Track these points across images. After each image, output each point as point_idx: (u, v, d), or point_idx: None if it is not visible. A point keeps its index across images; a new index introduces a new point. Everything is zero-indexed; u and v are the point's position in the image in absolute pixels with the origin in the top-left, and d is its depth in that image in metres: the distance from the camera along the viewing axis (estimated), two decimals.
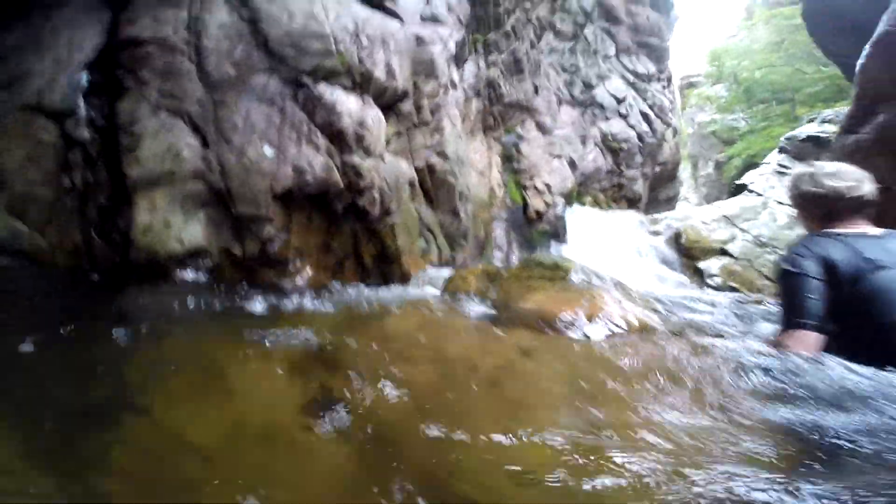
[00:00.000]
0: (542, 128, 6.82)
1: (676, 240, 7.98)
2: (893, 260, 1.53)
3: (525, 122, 6.54)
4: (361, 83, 3.81)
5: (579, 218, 7.58)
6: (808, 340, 1.51)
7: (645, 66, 8.74)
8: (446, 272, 4.59)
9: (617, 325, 2.38)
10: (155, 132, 3.32)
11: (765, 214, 8.20)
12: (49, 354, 1.82)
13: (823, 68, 9.55)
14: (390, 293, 3.73)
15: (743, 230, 8.05)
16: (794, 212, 2.03)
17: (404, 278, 4.12)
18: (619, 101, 8.21)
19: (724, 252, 7.86)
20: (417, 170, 4.39)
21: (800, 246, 1.67)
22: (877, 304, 1.48)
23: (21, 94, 3.34)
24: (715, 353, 1.83)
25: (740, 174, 10.16)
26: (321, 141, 3.57)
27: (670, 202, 10.15)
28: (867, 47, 2.72)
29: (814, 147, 8.23)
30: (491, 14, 5.95)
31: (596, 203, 8.45)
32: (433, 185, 4.51)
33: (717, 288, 7.16)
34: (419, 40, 4.32)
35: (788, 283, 1.60)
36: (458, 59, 4.79)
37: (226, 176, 3.37)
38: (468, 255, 5.27)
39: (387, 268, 4.03)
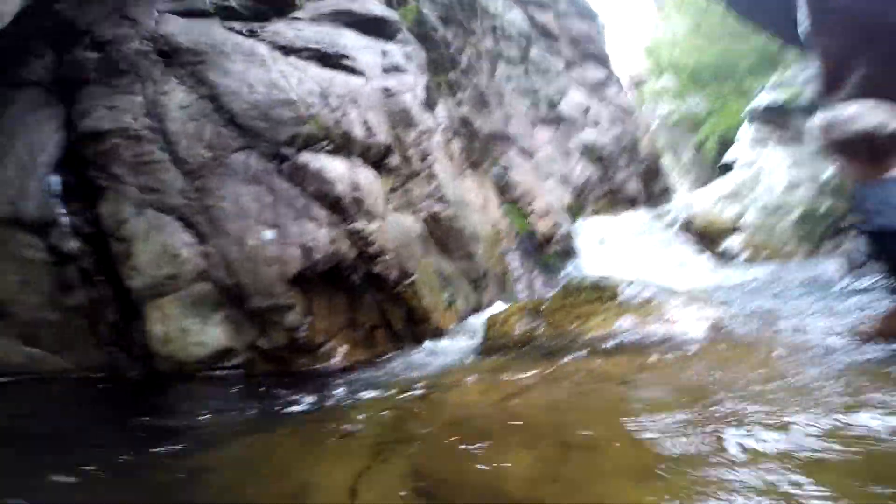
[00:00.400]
0: (524, 153, 6.80)
1: (688, 227, 7.83)
2: None
3: (507, 152, 6.52)
4: (344, 145, 3.70)
5: (587, 230, 7.43)
6: None
7: (594, 74, 8.99)
8: (479, 317, 4.30)
9: (690, 331, 2.11)
10: (145, 233, 3.13)
11: (762, 184, 8.15)
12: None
13: (746, 44, 9.85)
14: (428, 354, 3.43)
15: (748, 203, 7.95)
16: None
17: (438, 334, 3.83)
18: (586, 111, 8.35)
19: (736, 229, 7.70)
20: (424, 221, 4.20)
21: (876, 199, 1.48)
22: None
23: None
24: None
25: (720, 153, 10.26)
26: (320, 212, 3.40)
27: (665, 193, 10.11)
28: (806, 23, 2.69)
29: (778, 114, 8.35)
30: (446, 56, 6.06)
31: (597, 212, 8.35)
32: (442, 234, 4.31)
33: (747, 262, 6.93)
34: (387, 92, 4.29)
35: (879, 243, 1.42)
36: (430, 104, 4.76)
37: (231, 270, 3.15)
38: (493, 295, 5.00)
39: (418, 328, 3.74)
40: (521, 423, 1.50)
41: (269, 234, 3.26)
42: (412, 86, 4.58)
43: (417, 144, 4.32)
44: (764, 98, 8.43)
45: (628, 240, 7.41)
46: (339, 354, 3.40)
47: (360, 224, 3.49)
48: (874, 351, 1.56)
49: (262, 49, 3.78)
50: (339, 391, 2.55)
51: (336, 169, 3.52)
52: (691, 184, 11.57)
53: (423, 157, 4.35)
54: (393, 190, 4.11)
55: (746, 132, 8.79)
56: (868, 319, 1.80)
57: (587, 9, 9.65)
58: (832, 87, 2.82)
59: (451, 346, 3.57)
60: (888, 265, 1.48)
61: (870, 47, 2.55)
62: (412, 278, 3.75)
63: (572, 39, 8.95)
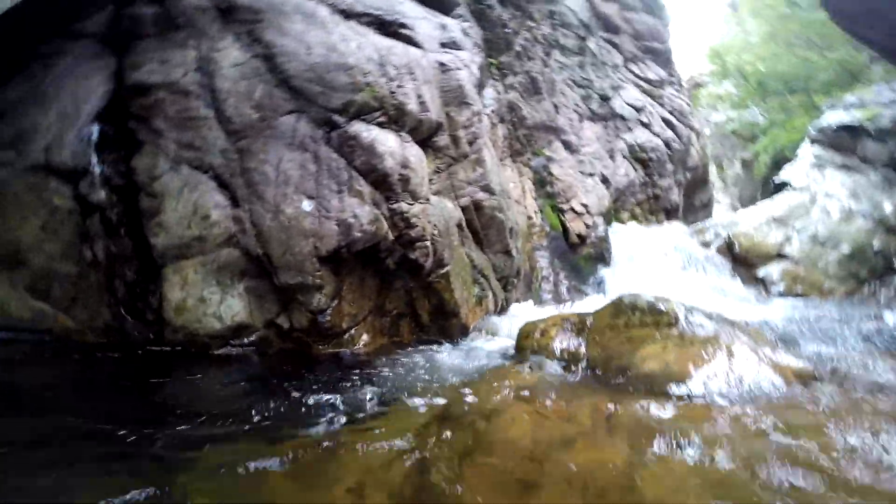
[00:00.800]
0: (569, 147, 6.45)
1: (729, 248, 7.47)
2: None
3: (552, 144, 6.18)
4: (397, 118, 3.44)
5: (622, 236, 7.11)
6: None
7: (655, 71, 8.48)
8: (505, 318, 4.09)
9: (777, 386, 1.86)
10: (178, 191, 2.95)
11: (815, 211, 7.72)
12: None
13: (827, 54, 9.21)
14: (456, 354, 3.24)
15: (797, 230, 7.54)
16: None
17: (464, 331, 3.65)
18: (639, 110, 7.89)
19: (781, 255, 7.33)
20: (463, 209, 3.97)
21: None
22: None
23: (28, 154, 3.03)
24: None
25: (771, 170, 9.73)
26: (365, 188, 3.17)
27: (706, 207, 9.67)
28: None
29: (849, 135, 7.82)
30: (501, 36, 5.69)
31: (634, 218, 7.99)
32: (482, 225, 4.07)
33: (781, 295, 6.61)
34: (444, 67, 4.00)
35: None
36: (481, 85, 4.46)
37: (263, 239, 2.96)
38: (520, 294, 4.78)
39: (445, 322, 3.55)
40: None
41: (307, 204, 3.05)
42: (468, 63, 4.28)
43: (468, 126, 4.04)
44: (834, 116, 7.88)
45: (663, 253, 7.09)
46: (362, 342, 3.23)
47: (404, 205, 3.26)
48: None
49: (323, 11, 3.52)
50: (361, 393, 2.34)
51: (387, 142, 3.28)
52: (734, 200, 11.07)
53: (472, 140, 4.08)
54: (437, 171, 3.86)
55: (807, 151, 8.28)
56: None
57: (656, 3, 9.02)
58: None
59: (479, 348, 3.39)
60: None
61: None
62: (447, 268, 3.54)
63: (635, 33, 8.40)
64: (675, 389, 1.93)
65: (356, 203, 3.11)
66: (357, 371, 2.71)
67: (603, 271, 6.54)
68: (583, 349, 2.63)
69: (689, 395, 1.86)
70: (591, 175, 6.72)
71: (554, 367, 2.57)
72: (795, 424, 1.50)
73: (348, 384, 2.48)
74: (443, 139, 3.93)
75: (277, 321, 3.02)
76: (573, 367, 2.50)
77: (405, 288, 3.43)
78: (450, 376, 2.64)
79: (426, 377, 2.66)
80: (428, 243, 3.34)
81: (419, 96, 3.65)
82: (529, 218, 5.88)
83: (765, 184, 9.66)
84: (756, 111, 10.66)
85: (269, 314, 3.01)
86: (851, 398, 1.73)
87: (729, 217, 8.27)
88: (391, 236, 3.19)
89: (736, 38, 11.75)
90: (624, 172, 7.50)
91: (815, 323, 3.95)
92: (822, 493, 1.10)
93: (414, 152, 3.48)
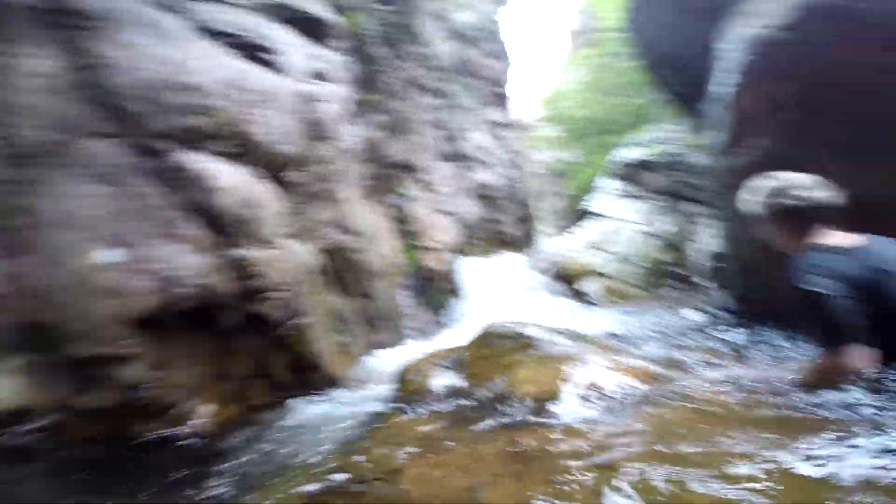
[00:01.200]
0: (427, 186, 6.53)
1: (559, 272, 8.32)
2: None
3: (411, 183, 6.17)
4: (242, 149, 2.94)
5: (471, 269, 7.40)
6: (859, 354, 1.51)
7: (497, 115, 9.24)
8: (375, 362, 3.76)
9: (633, 387, 1.96)
10: None
11: (618, 234, 9.08)
12: None
13: (628, 99, 10.86)
14: (329, 408, 2.80)
15: (606, 251, 8.78)
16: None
17: (331, 382, 3.22)
18: (486, 151, 8.48)
19: (597, 273, 8.41)
20: (323, 252, 3.57)
21: (817, 266, 1.61)
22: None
23: None
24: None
25: (578, 202, 11.26)
26: (195, 232, 2.58)
27: (535, 237, 10.75)
28: (737, 80, 2.92)
29: (637, 169, 9.40)
30: (373, 74, 5.57)
31: (479, 251, 8.43)
32: (342, 268, 3.72)
33: (602, 305, 7.52)
34: (308, 98, 3.63)
35: (825, 305, 1.54)
36: (346, 121, 4.21)
37: (44, 301, 2.15)
38: (386, 336, 4.50)
39: (308, 377, 3.09)
40: None
41: (110, 254, 2.34)
42: (337, 98, 3.98)
43: (329, 162, 3.71)
44: (627, 153, 9.44)
45: (507, 281, 7.57)
46: (203, 415, 2.57)
47: (247, 251, 2.75)
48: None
49: (175, 24, 2.87)
50: (202, 485, 1.78)
51: (228, 177, 2.75)
52: (557, 229, 12.62)
53: (332, 178, 3.75)
54: (294, 212, 3.42)
55: (607, 184, 9.75)
56: (790, 370, 1.79)
57: (504, 51, 9.76)
58: (729, 151, 3.02)
59: (354, 399, 2.99)
60: (817, 323, 1.61)
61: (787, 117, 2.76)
62: (304, 319, 3.09)
63: (488, 79, 9.00)
64: (553, 408, 1.88)
65: (181, 250, 2.49)
66: (199, 453, 2.09)
67: (457, 303, 6.68)
68: (464, 383, 2.49)
69: (566, 413, 1.82)
70: (445, 213, 6.90)
71: (440, 406, 2.35)
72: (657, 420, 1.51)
73: (185, 473, 1.88)
74: (300, 175, 3.52)
75: (73, 402, 2.21)
76: (459, 404, 2.32)
77: (252, 346, 2.87)
78: (327, 437, 2.20)
79: (298, 444, 2.18)
80: (278, 295, 2.86)
81: (274, 126, 3.22)
82: (388, 257, 5.71)
83: (576, 213, 11.20)
84: (572, 152, 12.36)
85: (60, 394, 2.18)
86: (692, 393, 1.84)
87: (556, 245, 9.30)
88: (230, 289, 2.64)
89: (567, 86, 13.48)
90: (472, 210, 7.92)
91: (640, 327, 4.38)
92: None
93: (261, 189, 3.01)
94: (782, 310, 2.68)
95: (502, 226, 8.96)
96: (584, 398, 1.90)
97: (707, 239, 7.87)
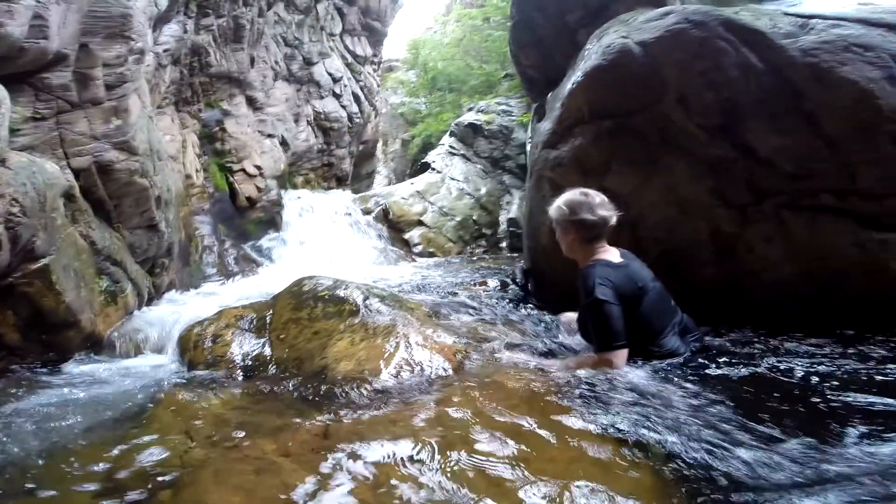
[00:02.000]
0: (253, 103, 5.43)
1: (385, 215, 8.20)
2: (648, 280, 1.91)
3: (234, 97, 5.03)
4: None
5: (294, 202, 6.69)
6: (625, 355, 1.77)
7: (363, 48, 8.20)
8: (159, 312, 3.02)
9: (446, 369, 1.96)
10: None
11: (443, 189, 9.33)
12: None
13: (484, 66, 10.98)
14: (90, 383, 2.11)
15: (431, 203, 8.98)
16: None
17: (95, 343, 2.48)
18: (336, 80, 7.47)
19: (420, 223, 8.59)
20: (79, 172, 2.60)
21: (597, 277, 1.84)
22: (652, 318, 1.87)
23: None
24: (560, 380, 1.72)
25: (420, 152, 11.20)
26: None
27: (369, 177, 10.32)
28: (579, 75, 3.00)
29: (472, 132, 9.70)
30: None
31: (307, 183, 7.68)
32: (111, 193, 2.79)
33: (419, 254, 7.78)
34: None
35: (603, 310, 1.78)
36: (163, 19, 3.03)
37: None
38: (176, 274, 3.73)
39: (55, 337, 2.31)
40: None
41: None
42: None
43: (115, 65, 2.66)
44: (468, 116, 9.55)
45: (332, 219, 7.13)
46: None
47: None
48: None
49: None
50: None
51: None
52: (389, 172, 12.34)
53: (117, 84, 2.70)
54: (36, 119, 2.35)
55: (446, 141, 9.87)
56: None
57: None
58: (553, 144, 3.16)
59: (128, 368, 2.31)
60: (596, 324, 1.82)
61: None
62: (44, 261, 2.24)
63: (366, 8, 7.85)
64: (372, 387, 1.72)
65: None
66: None
67: (274, 236, 5.98)
68: (268, 351, 2.12)
69: (385, 393, 1.69)
70: (270, 136, 5.91)
71: (240, 384, 1.96)
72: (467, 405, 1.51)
73: None
74: (60, 77, 2.41)
75: None
76: (262, 378, 1.97)
77: None
78: (87, 425, 1.62)
79: (41, 437, 1.56)
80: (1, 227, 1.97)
81: (37, 15, 2.05)
82: (188, 177, 4.64)
83: (414, 163, 11.11)
84: (423, 101, 11.95)
85: None
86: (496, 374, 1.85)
87: (386, 189, 9.09)
88: None
89: (435, 37, 12.69)
90: (305, 138, 7.00)
91: (451, 285, 4.42)
92: None
93: None
94: (551, 298, 3.02)
95: (338, 160, 8.29)
96: (401, 378, 1.78)
97: (513, 209, 8.68)
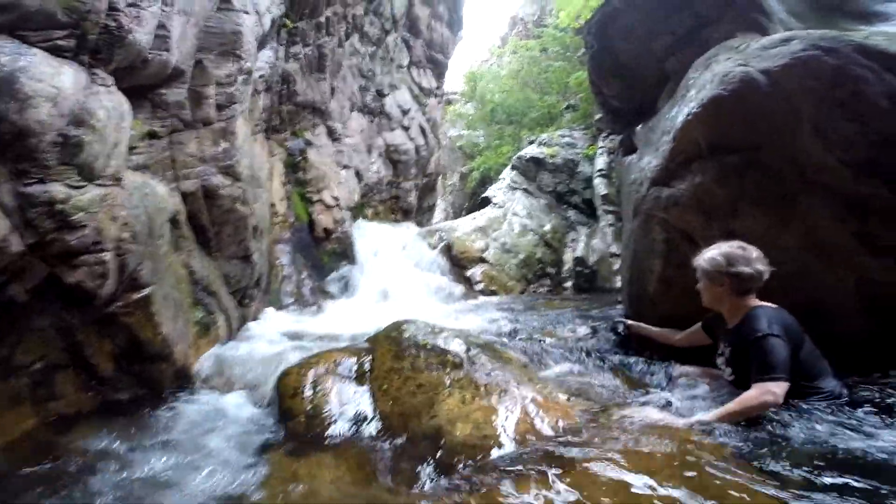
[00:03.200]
0: (332, 134, 5.56)
1: (448, 251, 8.08)
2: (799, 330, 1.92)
3: (316, 127, 5.17)
4: (98, 46, 1.88)
5: (365, 234, 6.71)
6: (785, 389, 1.73)
7: (429, 80, 8.42)
8: (244, 347, 2.92)
9: (572, 431, 1.69)
10: None
11: (505, 224, 9.14)
12: None
13: (545, 97, 10.84)
14: (178, 430, 1.98)
15: (493, 239, 8.79)
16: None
17: (183, 378, 2.40)
18: (405, 112, 7.64)
19: (482, 260, 8.38)
20: (187, 196, 2.63)
21: (766, 318, 1.88)
22: (813, 361, 1.89)
23: None
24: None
25: (479, 186, 11.13)
26: None
27: (430, 210, 10.33)
28: (694, 106, 2.75)
29: (535, 166, 9.49)
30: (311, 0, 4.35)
31: (376, 215, 7.75)
32: (213, 220, 2.80)
33: (481, 291, 7.54)
34: (225, 2, 2.54)
35: (771, 344, 1.78)
36: (263, 42, 3.15)
37: None
38: (259, 305, 3.70)
39: (147, 369, 2.24)
40: None
41: None
42: (260, 10, 2.90)
43: (226, 84, 2.70)
44: (530, 150, 9.39)
45: (400, 254, 7.08)
46: None
47: (60, 186, 1.77)
48: None
49: None
50: None
51: (51, 78, 1.70)
52: (448, 205, 12.34)
53: (226, 105, 2.75)
54: (152, 137, 2.40)
55: (507, 175, 9.73)
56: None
57: (460, 21, 8.87)
58: (665, 181, 2.89)
59: (215, 411, 2.15)
60: (767, 358, 1.78)
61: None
62: (146, 291, 2.20)
63: (430, 41, 8.04)
64: (499, 456, 1.48)
65: None
66: None
67: (347, 269, 5.98)
68: (370, 404, 1.94)
69: (516, 462, 1.44)
70: (346, 167, 6.01)
71: (347, 448, 1.76)
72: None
73: None
74: (176, 94, 2.47)
75: None
76: (369, 438, 1.78)
77: (61, 326, 1.94)
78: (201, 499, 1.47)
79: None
80: (106, 256, 1.95)
81: (161, 25, 2.13)
82: (273, 206, 4.73)
83: (472, 196, 11.03)
84: (481, 134, 11.98)
85: None
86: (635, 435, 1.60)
87: (448, 224, 9.02)
88: (16, 246, 1.68)
89: (491, 69, 12.89)
90: (376, 169, 7.11)
91: (535, 330, 4.12)
92: None
93: (109, 102, 1.98)
94: (654, 348, 2.69)
95: (405, 193, 8.35)
96: (530, 444, 1.53)
97: (580, 248, 8.28)
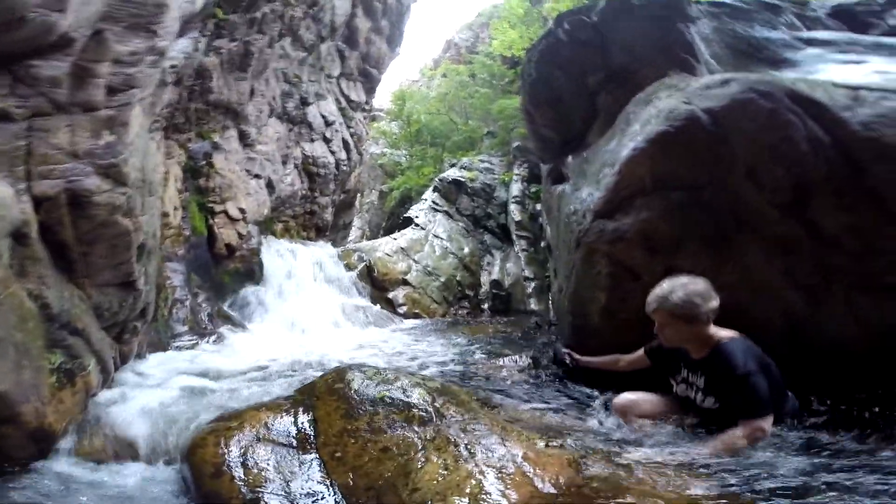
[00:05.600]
0: (245, 139, 4.89)
1: (369, 273, 7.63)
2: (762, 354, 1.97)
3: (227, 130, 4.49)
4: None
5: (273, 251, 5.99)
6: (771, 421, 1.80)
7: (358, 94, 7.99)
8: (125, 394, 2.21)
9: (574, 488, 1.46)
10: None
11: (427, 247, 8.95)
12: None
13: (469, 122, 11.12)
14: None
15: (415, 261, 8.52)
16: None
17: (43, 444, 1.71)
18: (328, 124, 7.10)
19: (405, 282, 8.06)
20: (44, 201, 1.95)
21: (739, 352, 1.90)
22: (774, 383, 1.90)
23: None
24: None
25: (398, 205, 10.86)
26: None
27: (346, 228, 9.77)
28: (640, 141, 2.79)
29: (455, 188, 9.51)
30: None
31: (287, 231, 7.03)
32: (80, 236, 2.12)
33: (404, 315, 7.20)
34: None
35: (754, 382, 1.81)
36: (185, 27, 2.54)
37: None
38: (142, 338, 2.95)
39: None
40: None
41: None
42: None
43: (129, 64, 2.09)
44: (452, 172, 9.36)
45: (312, 274, 6.44)
46: None
47: None
48: None
49: None
50: None
51: None
52: (364, 223, 11.81)
53: (122, 89, 2.12)
54: (5, 118, 1.72)
55: (429, 196, 9.57)
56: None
57: (400, 38, 8.67)
58: (608, 214, 2.86)
59: (86, 491, 1.53)
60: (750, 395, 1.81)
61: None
62: None
63: (366, 54, 7.72)
64: None
65: None
66: None
67: (253, 291, 5.22)
68: (323, 479, 1.48)
69: None
70: (257, 176, 5.31)
71: None
72: None
73: None
74: (54, 67, 1.83)
75: None
76: None
77: None
78: None
79: None
80: None
81: None
82: (165, 215, 3.94)
83: (391, 216, 10.69)
84: (404, 153, 11.76)
85: None
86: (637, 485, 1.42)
87: (368, 244, 8.56)
88: None
89: (421, 90, 12.73)
90: (290, 181, 6.44)
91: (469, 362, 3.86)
92: None
93: None
94: (600, 378, 2.66)
95: (321, 209, 7.75)
96: None
97: (495, 271, 8.39)
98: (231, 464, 1.47)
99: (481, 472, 1.35)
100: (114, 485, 1.56)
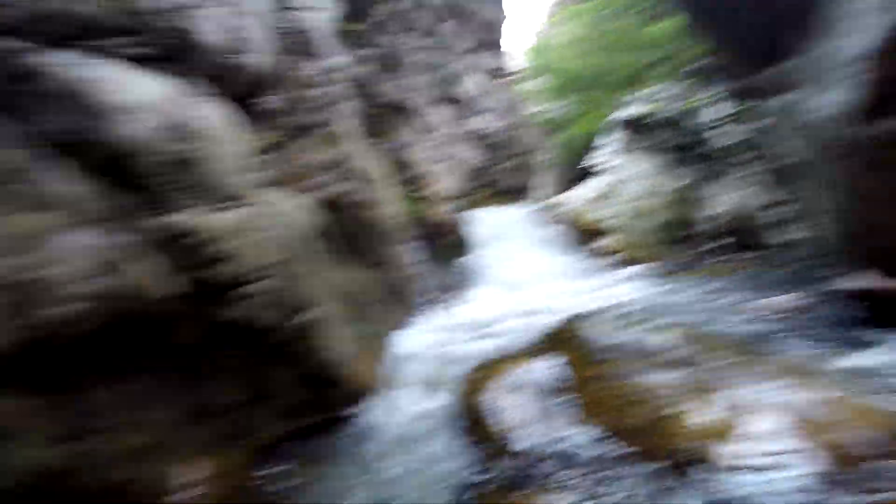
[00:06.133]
0: (422, 130, 5.33)
1: (570, 225, 7.42)
2: None
3: (404, 126, 4.95)
4: (171, 51, 1.71)
5: (476, 222, 6.35)
6: None
7: (490, 62, 8.09)
8: (408, 353, 2.71)
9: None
10: None
11: (625, 190, 8.18)
12: None
13: (617, 58, 9.75)
14: (377, 452, 1.80)
15: (617, 206, 7.89)
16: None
17: (355, 398, 2.20)
18: (480, 96, 7.29)
19: (610, 229, 7.55)
20: (320, 206, 2.43)
21: None
22: None
23: None
24: None
25: (577, 156, 10.26)
26: (69, 188, 1.40)
27: (529, 189, 9.77)
28: (867, 40, 1.98)
29: (639, 125, 8.44)
30: (359, 2, 4.20)
31: (479, 202, 7.38)
32: (349, 229, 2.60)
33: (619, 263, 6.73)
34: (281, 2, 2.35)
35: None
36: (331, 44, 2.93)
37: None
38: (400, 313, 3.47)
39: (324, 395, 2.05)
40: None
41: None
42: (319, 7, 2.70)
43: (317, 85, 2.50)
44: (631, 109, 8.46)
45: (515, 235, 6.59)
46: (186, 485, 1.53)
47: (182, 216, 1.59)
48: None
49: None
50: None
51: (132, 86, 1.54)
52: (553, 183, 11.57)
53: (323, 108, 2.54)
54: (271, 149, 2.24)
55: (611, 139, 8.79)
56: None
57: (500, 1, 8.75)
58: (875, 116, 2.12)
59: (404, 421, 1.99)
60: None
61: None
62: (311, 312, 2.01)
63: (478, 24, 7.89)
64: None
65: (52, 229, 1.33)
66: None
67: (468, 261, 5.69)
68: (581, 423, 1.50)
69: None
70: (443, 159, 5.74)
71: (579, 479, 1.36)
72: None
73: None
74: (276, 100, 2.30)
75: None
76: (609, 473, 1.34)
77: (240, 363, 1.80)
78: None
79: None
80: (263, 285, 1.75)
81: (235, 28, 1.96)
82: (387, 207, 4.59)
83: (572, 168, 10.15)
84: (562, 105, 11.10)
85: None
86: None
87: (561, 197, 8.34)
88: (161, 288, 1.51)
89: (555, 39, 12.04)
90: (469, 156, 6.77)
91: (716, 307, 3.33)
92: None
93: (213, 113, 1.81)
94: None
95: (500, 175, 7.89)
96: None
97: (721, 203, 7.08)
98: (493, 404, 1.61)
99: (760, 419, 1.11)
100: (410, 415, 1.94)
